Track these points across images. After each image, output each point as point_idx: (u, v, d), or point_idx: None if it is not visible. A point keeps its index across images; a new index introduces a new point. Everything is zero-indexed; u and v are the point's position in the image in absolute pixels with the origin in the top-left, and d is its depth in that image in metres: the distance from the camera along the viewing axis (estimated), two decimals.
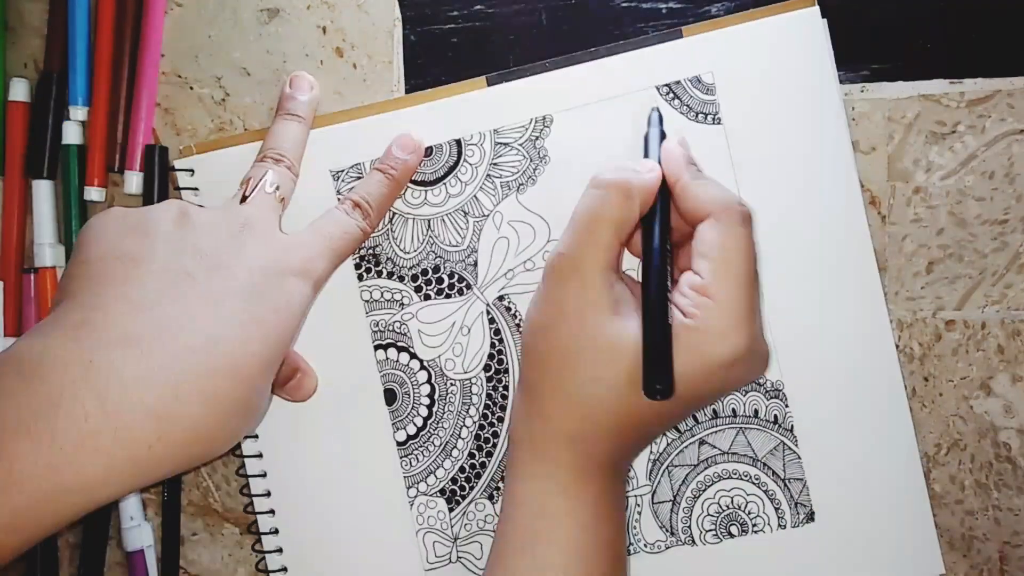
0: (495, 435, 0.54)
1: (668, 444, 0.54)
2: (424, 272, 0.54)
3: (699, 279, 0.46)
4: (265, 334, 0.45)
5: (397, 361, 0.55)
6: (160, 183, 0.55)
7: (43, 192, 0.57)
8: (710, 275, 0.46)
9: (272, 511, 0.55)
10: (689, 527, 0.54)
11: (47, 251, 0.56)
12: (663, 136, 0.51)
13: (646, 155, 0.50)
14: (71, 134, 0.56)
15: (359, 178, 0.54)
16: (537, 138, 0.53)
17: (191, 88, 0.57)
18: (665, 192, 0.49)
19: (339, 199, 0.53)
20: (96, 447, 0.40)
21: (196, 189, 0.55)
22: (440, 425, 0.55)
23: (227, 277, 0.46)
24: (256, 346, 0.45)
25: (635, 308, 0.47)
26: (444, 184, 0.54)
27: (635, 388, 0.44)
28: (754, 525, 0.54)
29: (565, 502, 0.46)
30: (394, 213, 0.54)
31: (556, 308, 0.47)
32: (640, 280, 0.48)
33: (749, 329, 0.46)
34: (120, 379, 0.41)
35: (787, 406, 0.53)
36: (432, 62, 0.55)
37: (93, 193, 0.56)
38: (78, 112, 0.56)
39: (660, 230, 0.48)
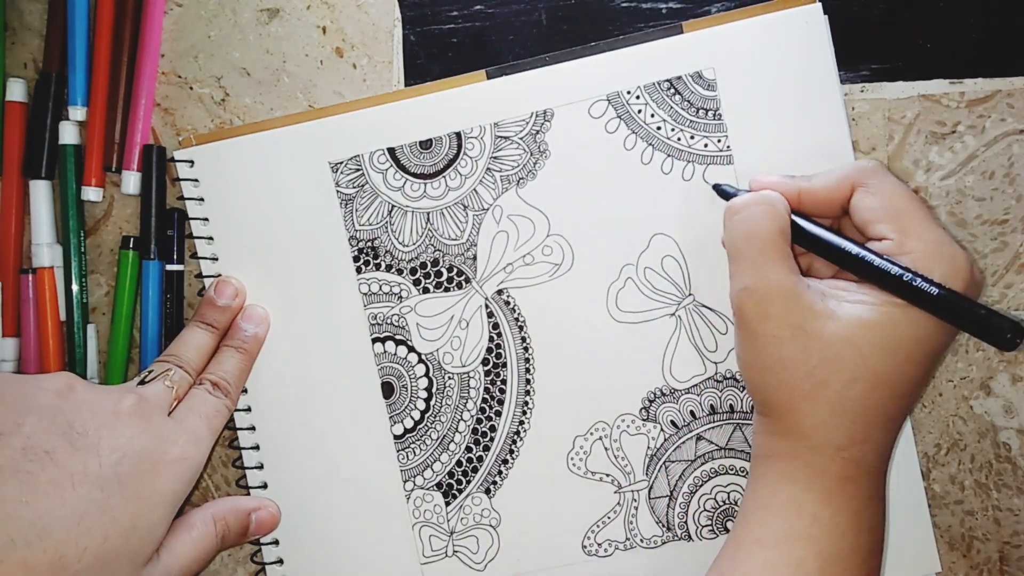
0: (492, 429, 0.54)
1: (665, 440, 0.54)
2: (423, 265, 0.54)
3: (889, 242, 0.45)
4: (109, 527, 0.45)
5: (395, 354, 0.55)
6: (158, 183, 0.56)
7: (41, 192, 0.57)
8: (897, 232, 0.45)
9: None
10: (686, 523, 0.54)
11: (45, 251, 0.56)
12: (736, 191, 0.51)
13: None
14: (68, 134, 0.56)
15: (358, 171, 0.54)
16: (537, 132, 0.53)
17: (191, 88, 0.57)
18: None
19: (199, 381, 0.53)
20: None
21: (196, 180, 0.55)
22: (437, 419, 0.54)
23: (90, 460, 0.45)
24: (93, 540, 0.44)
25: (839, 297, 0.45)
26: (443, 177, 0.54)
27: (886, 369, 0.44)
28: None
29: (828, 508, 0.44)
30: (393, 206, 0.54)
31: (773, 341, 0.45)
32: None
33: (957, 251, 0.44)
34: None
35: None
36: (432, 62, 0.56)
37: (91, 193, 0.56)
38: (77, 112, 0.56)
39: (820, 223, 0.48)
